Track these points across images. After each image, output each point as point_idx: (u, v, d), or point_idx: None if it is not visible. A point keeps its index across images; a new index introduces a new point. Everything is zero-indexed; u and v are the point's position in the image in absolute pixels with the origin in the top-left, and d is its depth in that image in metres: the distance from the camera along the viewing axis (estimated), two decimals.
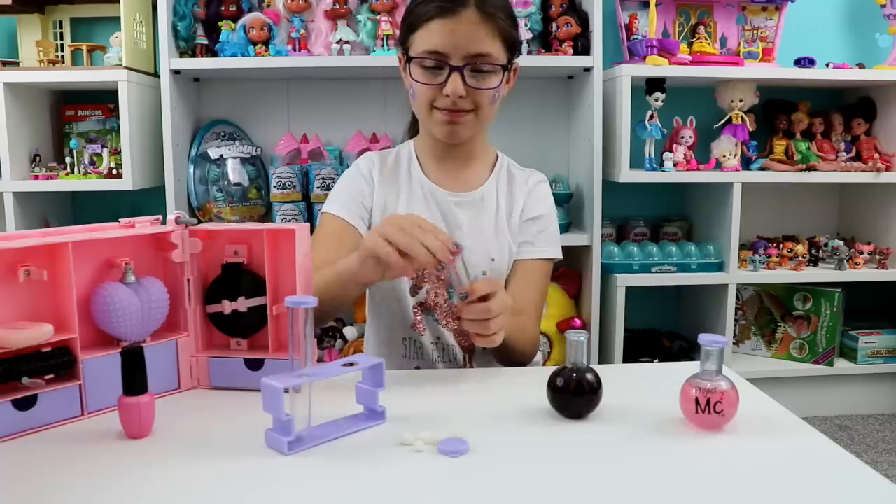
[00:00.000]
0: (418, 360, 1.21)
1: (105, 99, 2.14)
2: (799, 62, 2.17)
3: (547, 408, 0.85)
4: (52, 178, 2.04)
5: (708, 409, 0.77)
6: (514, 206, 1.22)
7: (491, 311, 0.89)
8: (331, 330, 2.18)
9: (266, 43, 2.05)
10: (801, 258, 2.23)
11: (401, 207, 1.19)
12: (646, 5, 2.19)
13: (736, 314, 2.24)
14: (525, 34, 2.08)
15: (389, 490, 0.66)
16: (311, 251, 0.91)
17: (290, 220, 2.09)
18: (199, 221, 1.56)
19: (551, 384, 0.84)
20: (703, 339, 0.79)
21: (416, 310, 1.19)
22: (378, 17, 2.06)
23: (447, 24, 1.05)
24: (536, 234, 1.21)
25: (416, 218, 0.89)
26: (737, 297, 2.24)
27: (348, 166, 1.32)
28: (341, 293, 1.01)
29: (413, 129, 1.32)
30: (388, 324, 1.22)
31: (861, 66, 2.20)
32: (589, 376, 0.83)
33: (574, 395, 0.83)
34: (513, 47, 1.11)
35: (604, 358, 2.18)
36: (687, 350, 2.27)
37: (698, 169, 2.17)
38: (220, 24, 2.07)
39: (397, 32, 2.07)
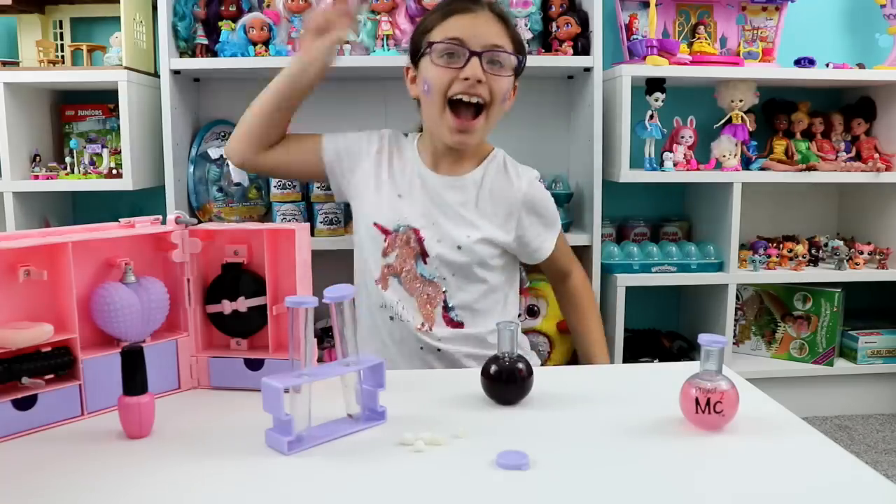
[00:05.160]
0: (389, 311, 1.31)
1: (105, 99, 2.14)
2: (799, 62, 2.17)
3: (539, 406, 0.85)
4: (52, 178, 2.03)
5: (708, 409, 0.77)
6: (502, 188, 1.29)
7: None
8: (331, 330, 2.17)
9: (266, 43, 2.05)
10: (801, 258, 2.23)
11: (384, 177, 1.31)
12: (646, 5, 2.19)
13: (736, 314, 2.23)
14: (525, 34, 2.08)
15: (389, 490, 0.66)
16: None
17: (290, 220, 2.09)
18: (199, 221, 1.56)
19: (485, 372, 0.88)
20: (703, 339, 0.79)
21: (385, 269, 1.31)
22: (378, 17, 2.06)
23: (465, 17, 1.17)
24: (537, 235, 1.34)
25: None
26: (737, 297, 2.24)
27: None
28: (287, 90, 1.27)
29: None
30: (362, 267, 1.36)
31: (861, 66, 2.20)
32: (520, 365, 0.87)
33: (506, 384, 0.87)
34: (521, 51, 1.22)
35: None
36: (687, 350, 2.27)
37: (698, 169, 2.16)
38: (220, 24, 2.06)
39: (397, 33, 2.09)
